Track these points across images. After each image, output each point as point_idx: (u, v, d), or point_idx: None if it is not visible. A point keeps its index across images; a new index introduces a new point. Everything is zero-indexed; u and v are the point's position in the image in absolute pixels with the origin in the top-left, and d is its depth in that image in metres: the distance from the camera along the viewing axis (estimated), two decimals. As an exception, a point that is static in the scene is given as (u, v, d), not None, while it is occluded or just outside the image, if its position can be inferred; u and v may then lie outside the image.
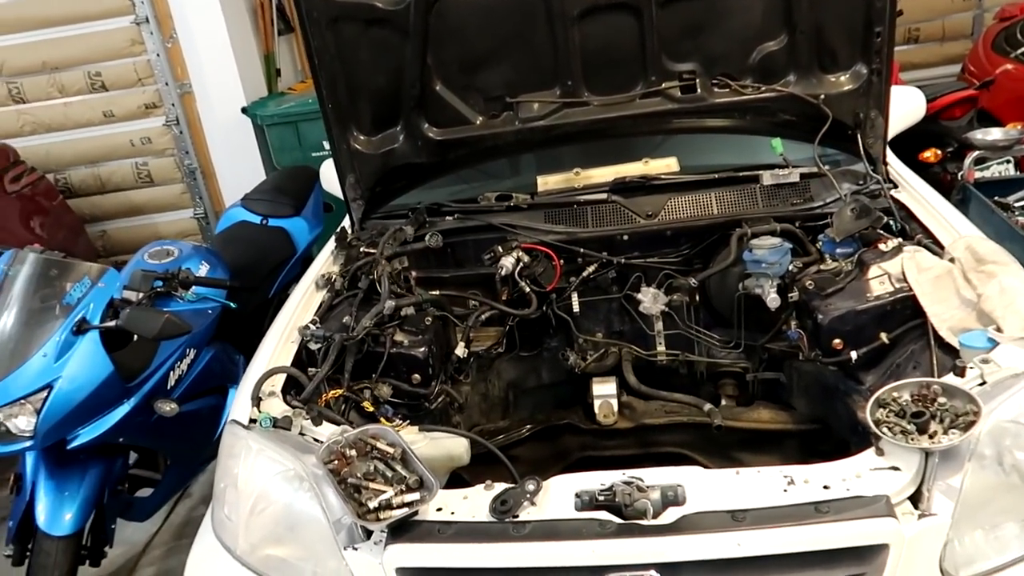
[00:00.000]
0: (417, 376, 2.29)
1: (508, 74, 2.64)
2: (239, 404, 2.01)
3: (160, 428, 2.90)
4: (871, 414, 1.59)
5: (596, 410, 2.57)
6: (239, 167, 5.48)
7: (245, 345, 3.44)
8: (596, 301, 2.67)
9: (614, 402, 2.58)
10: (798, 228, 2.47)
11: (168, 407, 2.86)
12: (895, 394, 1.62)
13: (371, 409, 2.10)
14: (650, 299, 2.54)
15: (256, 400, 1.97)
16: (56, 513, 2.69)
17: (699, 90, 2.61)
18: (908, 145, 3.83)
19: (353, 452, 1.72)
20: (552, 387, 2.81)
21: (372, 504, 1.57)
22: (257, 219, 4.05)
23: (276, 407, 1.97)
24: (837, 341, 2.12)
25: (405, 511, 1.55)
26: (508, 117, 2.68)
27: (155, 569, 3.40)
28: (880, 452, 1.57)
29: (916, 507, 1.49)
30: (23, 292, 2.68)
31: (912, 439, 1.51)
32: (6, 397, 2.51)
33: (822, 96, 2.56)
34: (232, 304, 3.21)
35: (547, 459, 2.66)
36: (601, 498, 1.54)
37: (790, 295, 2.31)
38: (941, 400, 1.56)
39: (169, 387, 2.93)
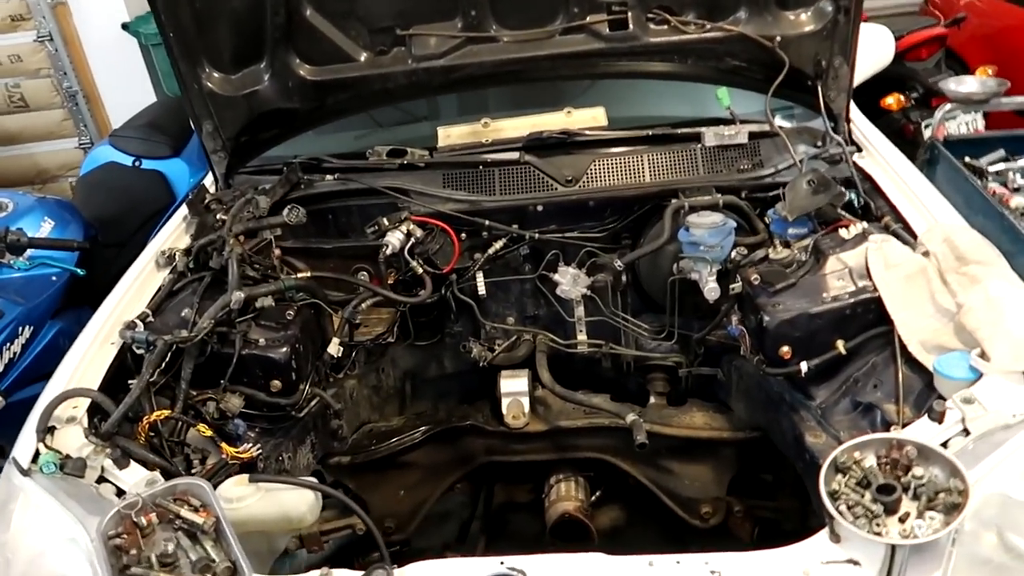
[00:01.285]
0: (277, 382, 1.85)
1: (398, 0, 2.12)
2: (23, 436, 1.55)
3: (-12, 420, 2.42)
4: (826, 483, 1.22)
5: (504, 410, 2.20)
6: (128, 92, 4.81)
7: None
8: (506, 282, 2.25)
9: (525, 401, 2.21)
10: (744, 201, 2.06)
11: (-9, 401, 2.38)
12: (856, 455, 1.25)
13: (208, 433, 1.66)
14: (569, 281, 2.14)
15: (44, 432, 1.51)
16: None
17: (631, 26, 2.14)
18: (867, 89, 3.44)
19: (152, 519, 1.29)
20: (457, 376, 2.42)
21: (158, 611, 1.15)
22: (128, 160, 3.49)
23: (73, 441, 1.52)
24: (785, 349, 1.74)
25: (203, 622, 1.15)
26: (399, 54, 2.19)
27: None
28: (835, 537, 1.21)
29: (878, 618, 1.14)
30: None
31: (878, 525, 1.15)
32: None
33: (778, 38, 2.13)
34: (79, 271, 2.71)
35: (446, 464, 2.29)
36: (468, 602, 1.15)
37: (732, 286, 1.92)
38: (917, 471, 1.19)
39: (-3, 373, 2.44)
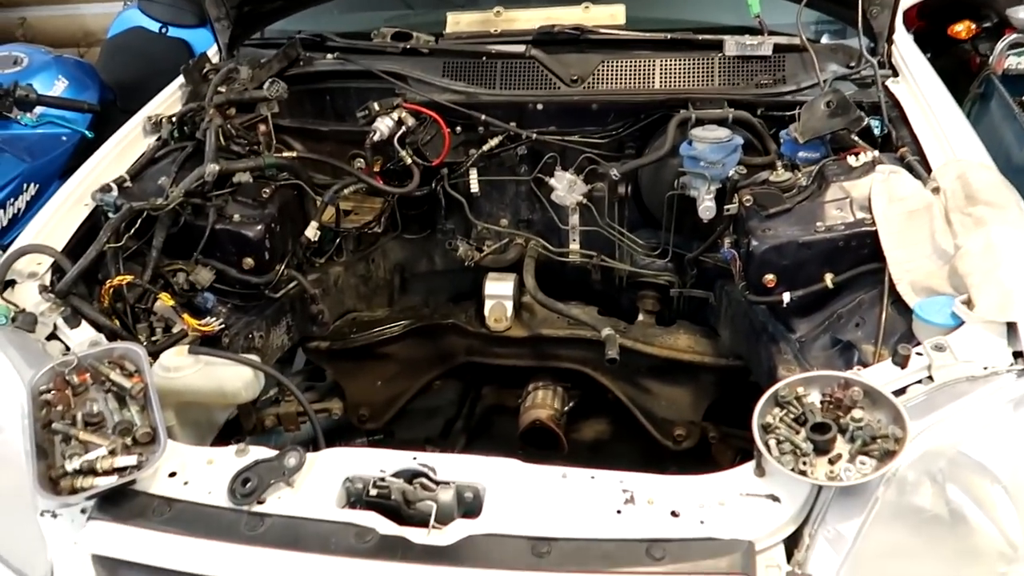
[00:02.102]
0: (250, 260, 1.83)
1: None
2: (-17, 289, 1.57)
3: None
4: (761, 415, 1.15)
5: (487, 312, 2.16)
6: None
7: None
8: (501, 182, 2.17)
9: (509, 305, 2.16)
10: (758, 118, 1.92)
11: (-7, 253, 2.42)
12: (800, 391, 1.17)
13: (170, 303, 1.65)
14: (565, 186, 2.05)
15: (3, 284, 1.52)
16: None
17: (664, -85, 1.96)
18: (937, 14, 3.16)
19: (86, 379, 1.30)
20: (448, 274, 2.37)
21: (71, 465, 1.16)
22: (156, 26, 3.41)
23: (30, 297, 1.53)
24: (770, 277, 1.65)
25: (111, 481, 1.16)
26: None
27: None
28: (760, 472, 1.15)
29: (789, 557, 1.08)
30: None
31: (804, 464, 1.08)
32: None
33: (820, -61, 1.92)
34: (88, 133, 2.70)
35: (426, 360, 2.28)
36: (374, 492, 1.13)
37: (727, 207, 1.81)
38: (857, 413, 1.11)
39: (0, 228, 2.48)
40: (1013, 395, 1.16)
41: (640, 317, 2.19)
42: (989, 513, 1.09)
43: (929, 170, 1.65)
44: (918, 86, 1.95)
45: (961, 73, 3.07)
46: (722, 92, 1.97)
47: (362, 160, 2.17)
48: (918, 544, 1.09)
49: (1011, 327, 1.27)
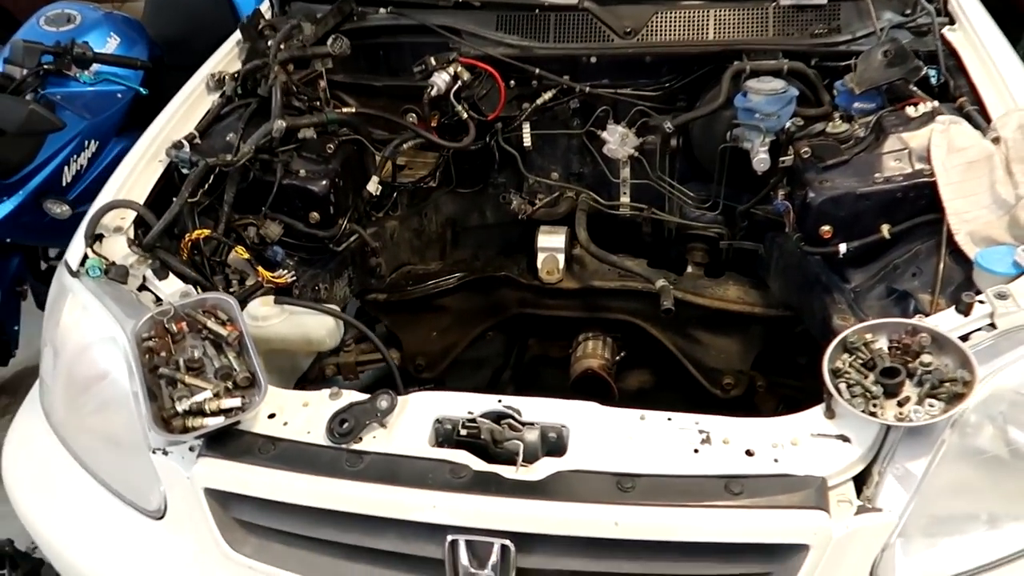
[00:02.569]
0: (316, 214, 1.90)
1: None
2: (74, 241, 1.64)
3: (57, 229, 2.57)
4: (831, 360, 1.21)
5: (539, 264, 2.21)
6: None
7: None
8: (552, 136, 2.20)
9: (560, 257, 2.21)
10: (813, 69, 1.93)
11: (60, 208, 2.52)
12: (868, 337, 1.23)
13: (245, 256, 1.73)
14: (617, 139, 2.08)
15: (92, 238, 1.59)
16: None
17: None
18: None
19: (183, 327, 1.38)
20: (499, 227, 2.42)
21: (181, 407, 1.25)
22: (199, -18, 3.43)
23: (119, 250, 1.61)
24: (826, 228, 1.68)
25: (219, 421, 1.24)
26: None
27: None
28: (830, 414, 1.21)
29: (859, 493, 1.15)
30: None
31: (874, 406, 1.14)
32: None
33: None
34: (142, 90, 2.75)
35: (479, 312, 2.34)
36: (464, 432, 1.21)
37: (782, 159, 1.83)
38: (926, 358, 1.17)
39: (65, 184, 2.56)
40: (1076, 341, 1.21)
41: (689, 269, 2.24)
42: (1050, 452, 1.15)
43: (989, 120, 1.67)
44: (976, 33, 1.95)
45: (1010, 18, 3.03)
46: (776, 43, 1.98)
47: (414, 115, 2.22)
48: (982, 481, 1.15)
49: (1074, 275, 1.31)
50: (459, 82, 2.02)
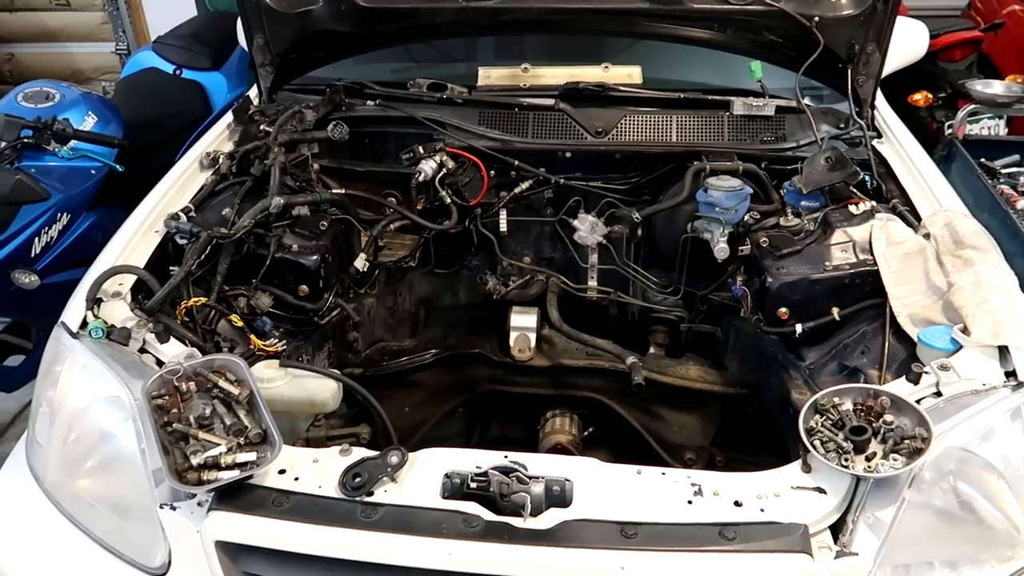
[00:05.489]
0: (305, 287, 1.97)
1: (457, -62, 2.20)
2: (72, 304, 1.68)
3: (22, 299, 2.56)
4: (804, 421, 1.34)
5: (511, 343, 2.31)
6: (168, 1, 4.89)
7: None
8: (527, 222, 2.36)
9: (532, 336, 2.32)
10: (763, 170, 2.16)
11: (28, 278, 2.51)
12: (836, 400, 1.38)
13: (239, 323, 1.79)
14: (588, 228, 2.24)
15: (93, 302, 1.63)
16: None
17: (677, -11, 2.21)
18: (897, 83, 3.50)
19: (191, 386, 1.42)
20: (469, 308, 2.53)
21: (196, 460, 1.28)
22: (170, 68, 3.56)
23: (118, 313, 1.65)
24: (783, 310, 1.86)
25: (235, 475, 1.28)
26: (451, -8, 2.26)
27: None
28: (807, 468, 1.34)
29: (836, 540, 1.27)
30: None
31: (846, 460, 1.28)
32: None
33: (816, 18, 2.19)
34: (118, 167, 2.81)
35: (451, 388, 2.41)
36: (474, 485, 1.28)
37: (741, 248, 2.03)
38: (888, 418, 1.32)
39: (33, 255, 2.56)
40: (1009, 406, 1.38)
41: (652, 349, 2.38)
42: (995, 503, 1.29)
43: (919, 218, 1.90)
44: (901, 145, 2.23)
45: (919, 137, 3.42)
46: (731, 147, 2.21)
47: (394, 198, 2.35)
48: (941, 530, 1.28)
49: (1002, 350, 1.50)
50: (444, 169, 2.17)
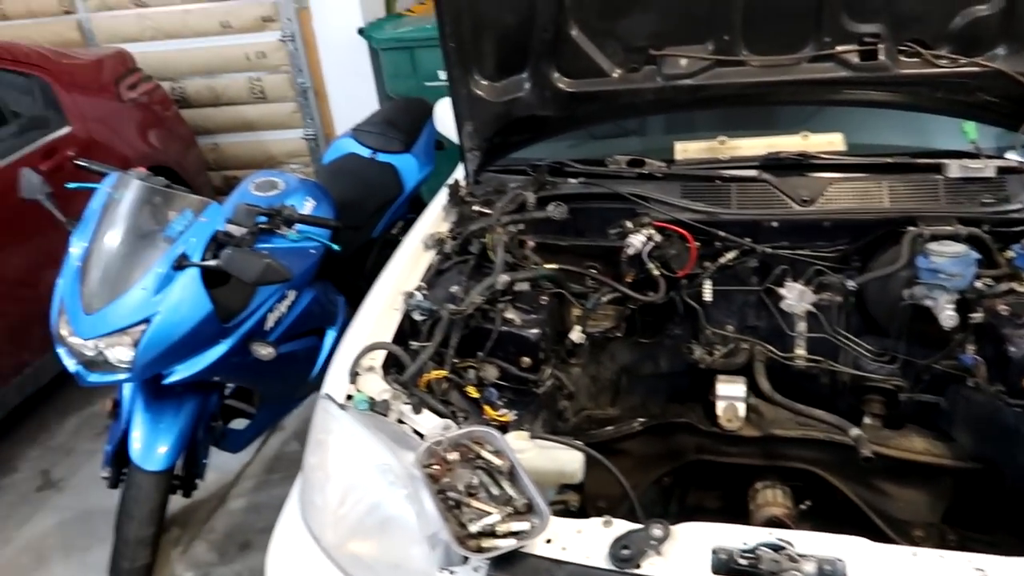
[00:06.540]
0: (527, 359, 2.08)
1: (655, 23, 2.31)
2: (334, 377, 1.85)
3: (256, 368, 2.81)
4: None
5: (719, 412, 2.31)
6: (352, 90, 5.38)
7: (345, 285, 3.32)
8: (731, 291, 2.38)
9: (741, 406, 2.30)
10: (987, 234, 2.08)
11: (265, 351, 2.76)
12: None
13: (475, 395, 1.90)
14: (796, 296, 2.23)
15: (353, 375, 1.79)
16: (150, 448, 2.66)
17: (882, 57, 2.21)
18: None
19: (455, 456, 1.53)
20: (668, 377, 2.55)
21: (474, 528, 1.38)
22: (367, 152, 3.88)
23: (374, 386, 1.80)
24: (1028, 380, 1.77)
25: (512, 543, 1.36)
26: (650, 72, 2.36)
27: (245, 501, 3.40)
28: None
29: None
30: (126, 219, 2.60)
31: None
32: (106, 327, 2.46)
33: (1035, 75, 2.13)
34: (336, 247, 3.06)
35: (658, 457, 2.43)
36: (744, 561, 1.30)
37: (972, 315, 1.95)
38: None
39: (267, 329, 2.83)
40: None
41: (867, 420, 2.30)
42: None
43: None
44: None
45: None
46: (949, 211, 2.15)
47: (594, 271, 2.43)
48: None
49: None
50: (652, 243, 2.24)
